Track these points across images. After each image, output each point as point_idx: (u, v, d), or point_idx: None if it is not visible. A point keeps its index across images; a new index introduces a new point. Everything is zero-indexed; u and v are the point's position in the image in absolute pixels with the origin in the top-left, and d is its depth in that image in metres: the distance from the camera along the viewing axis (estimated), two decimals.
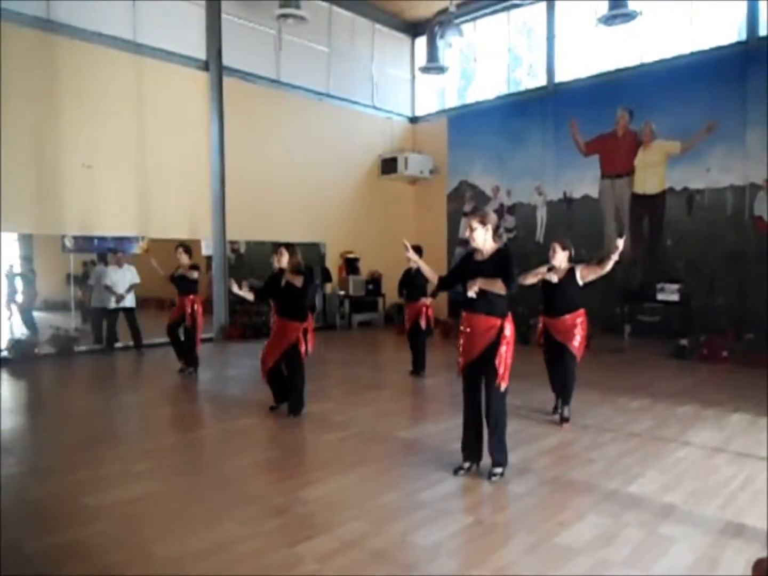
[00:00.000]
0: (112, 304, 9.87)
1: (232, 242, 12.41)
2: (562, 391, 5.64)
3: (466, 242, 14.90)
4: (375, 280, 14.42)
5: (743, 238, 10.65)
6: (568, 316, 5.53)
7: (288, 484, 4.19)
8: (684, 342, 9.45)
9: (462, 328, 4.20)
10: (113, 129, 10.44)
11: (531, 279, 5.53)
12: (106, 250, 10.33)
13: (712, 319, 10.53)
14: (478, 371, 4.16)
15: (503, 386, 4.08)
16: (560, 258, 5.51)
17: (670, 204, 11.52)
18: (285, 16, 10.53)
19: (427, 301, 7.94)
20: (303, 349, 5.83)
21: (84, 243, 10.19)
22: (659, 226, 11.61)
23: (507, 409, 4.21)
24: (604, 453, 4.82)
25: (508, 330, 4.07)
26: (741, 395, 6.85)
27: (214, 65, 11.72)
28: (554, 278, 5.41)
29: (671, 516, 3.60)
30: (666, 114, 11.45)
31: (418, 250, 7.61)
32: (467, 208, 14.74)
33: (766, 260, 10.27)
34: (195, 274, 7.95)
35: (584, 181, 12.69)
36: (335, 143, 13.95)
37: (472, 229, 4.10)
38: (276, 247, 6.03)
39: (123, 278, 9.85)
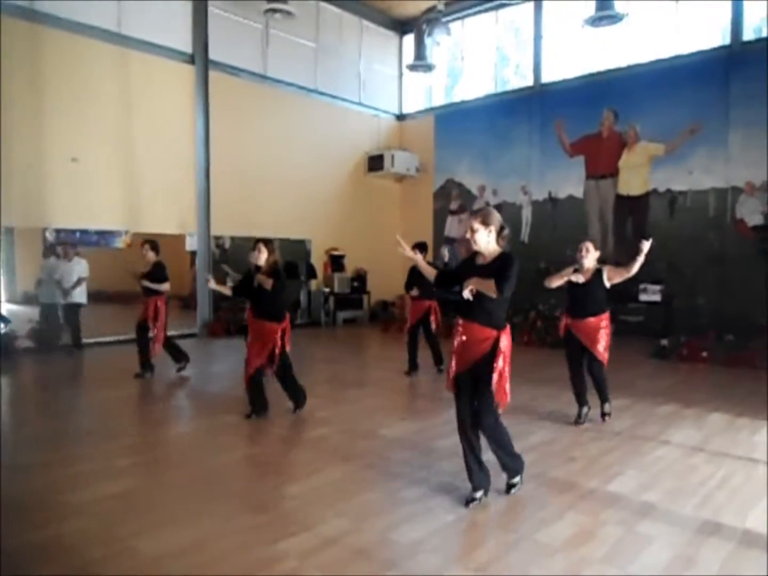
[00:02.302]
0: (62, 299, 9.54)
1: (216, 237, 12.33)
2: (599, 392, 5.73)
3: (452, 240, 15.00)
4: (360, 278, 14.42)
5: (724, 240, 10.80)
6: (593, 319, 5.50)
7: (270, 481, 4.18)
8: (665, 342, 9.56)
9: (457, 336, 3.84)
10: (97, 121, 10.33)
11: (557, 281, 5.50)
12: (57, 243, 9.85)
13: (693, 320, 10.66)
14: (469, 383, 3.80)
15: (500, 406, 3.77)
16: (591, 258, 5.49)
17: (653, 205, 11.65)
18: (272, 10, 10.48)
19: (434, 300, 7.91)
20: (284, 349, 5.62)
21: (66, 236, 10.07)
22: (642, 227, 11.71)
23: (503, 427, 3.85)
24: (585, 451, 4.87)
25: (504, 343, 3.71)
26: (720, 395, 6.95)
27: (200, 59, 11.63)
28: (581, 279, 5.38)
29: (649, 514, 3.64)
30: (650, 116, 11.57)
31: (422, 247, 7.67)
32: (453, 206, 14.80)
33: (747, 262, 10.43)
34: (163, 287, 7.44)
35: (569, 181, 12.79)
36: (322, 139, 13.92)
37: (473, 231, 3.69)
38: (254, 242, 5.74)
39: (70, 272, 9.39)
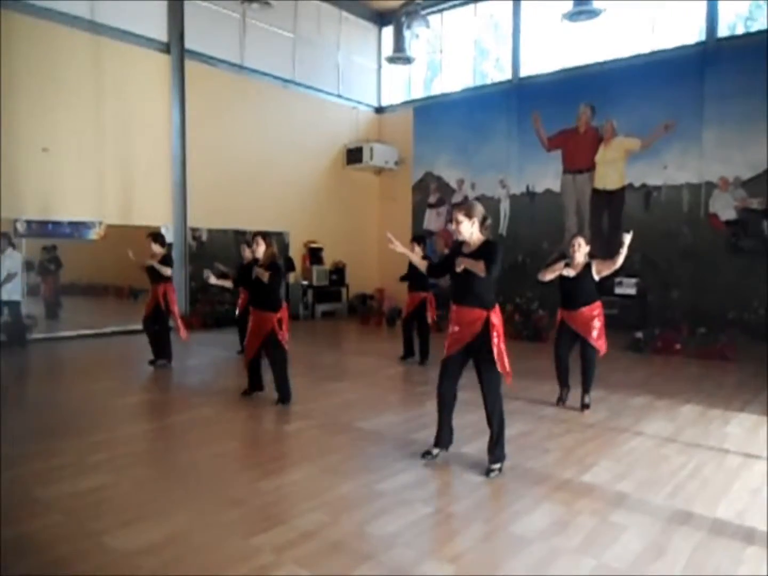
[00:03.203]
0: None
1: (193, 230, 12.18)
2: (583, 379, 5.90)
3: (431, 233, 14.98)
4: (339, 270, 14.38)
5: (698, 235, 10.96)
6: (585, 309, 5.80)
7: (246, 475, 4.15)
8: (639, 335, 9.69)
9: (451, 320, 4.23)
10: (69, 111, 10.11)
11: (549, 275, 5.74)
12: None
13: (667, 313, 10.83)
14: (459, 365, 4.23)
15: (508, 378, 4.17)
16: (582, 252, 5.81)
17: (629, 200, 11.77)
18: (250, 0, 10.35)
19: (429, 293, 8.05)
20: (280, 338, 5.88)
21: (37, 228, 9.86)
22: (618, 221, 11.84)
23: (503, 401, 4.22)
24: (560, 443, 4.92)
25: (496, 319, 4.08)
26: (692, 387, 7.06)
27: (176, 48, 11.45)
28: (572, 273, 5.70)
29: (622, 504, 3.69)
30: (627, 111, 11.67)
31: (420, 239, 7.77)
32: (432, 199, 14.80)
33: (719, 257, 10.61)
34: (168, 272, 7.63)
35: (547, 175, 12.86)
36: (300, 131, 13.80)
37: (457, 223, 4.07)
38: (253, 236, 6.07)
39: (1, 267, 8.82)
